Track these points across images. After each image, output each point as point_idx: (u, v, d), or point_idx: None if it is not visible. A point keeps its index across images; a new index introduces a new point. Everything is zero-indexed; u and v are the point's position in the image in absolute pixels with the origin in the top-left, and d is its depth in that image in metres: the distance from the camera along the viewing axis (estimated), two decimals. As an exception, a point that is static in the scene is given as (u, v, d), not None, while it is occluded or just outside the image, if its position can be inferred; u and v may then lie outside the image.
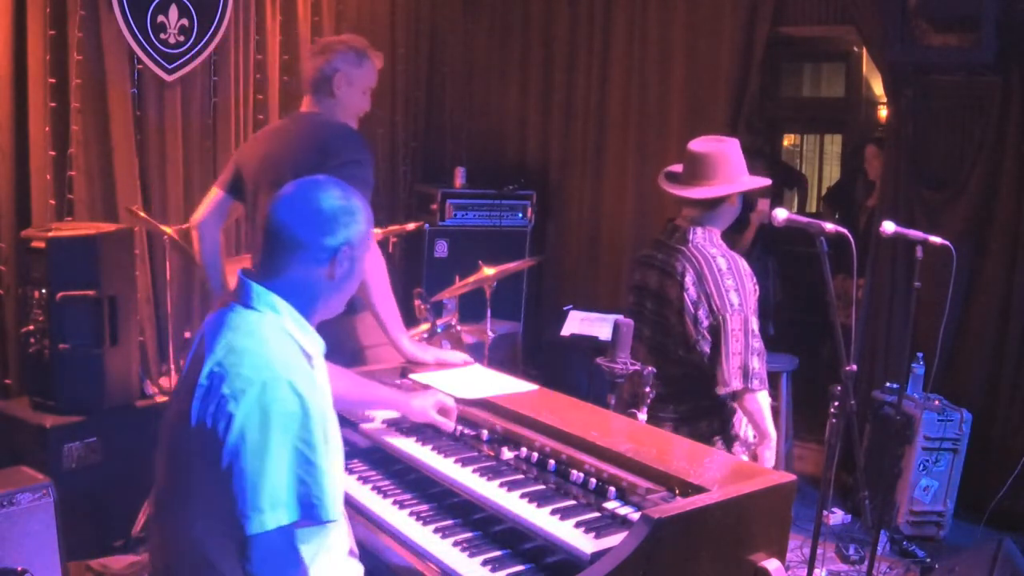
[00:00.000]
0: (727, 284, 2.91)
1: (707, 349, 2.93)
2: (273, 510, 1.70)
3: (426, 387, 2.75)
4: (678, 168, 3.12)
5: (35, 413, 3.86)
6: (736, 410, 3.04)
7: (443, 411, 2.57)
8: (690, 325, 2.94)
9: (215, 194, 3.39)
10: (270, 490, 1.70)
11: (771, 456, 2.96)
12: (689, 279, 2.94)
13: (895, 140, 4.93)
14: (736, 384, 2.86)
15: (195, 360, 1.87)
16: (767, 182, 3.13)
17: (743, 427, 3.07)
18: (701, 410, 3.04)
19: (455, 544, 2.13)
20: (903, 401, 4.27)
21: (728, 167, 3.00)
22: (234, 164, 3.40)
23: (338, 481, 1.82)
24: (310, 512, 1.74)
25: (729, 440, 3.06)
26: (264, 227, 1.92)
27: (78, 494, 3.68)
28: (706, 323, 2.92)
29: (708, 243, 3.00)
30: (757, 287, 3.02)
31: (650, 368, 2.79)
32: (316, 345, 1.93)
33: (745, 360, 2.87)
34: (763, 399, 2.92)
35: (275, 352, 1.80)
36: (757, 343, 2.90)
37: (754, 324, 2.92)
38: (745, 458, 3.00)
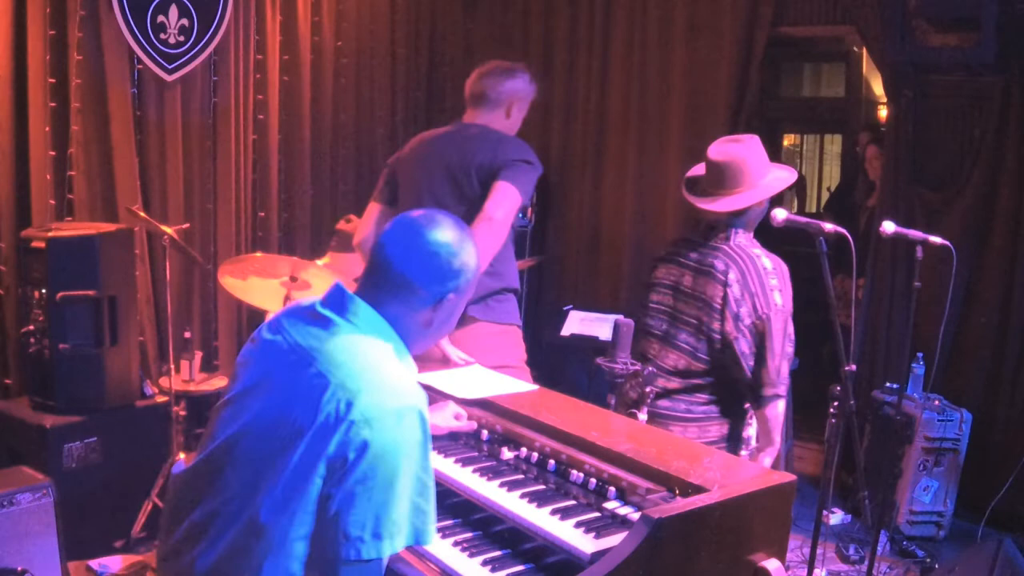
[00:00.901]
0: (771, 284, 2.87)
1: (745, 348, 2.88)
2: (391, 538, 1.68)
3: (426, 387, 2.76)
4: (700, 170, 3.07)
5: (35, 413, 3.86)
6: (747, 415, 3.02)
7: (458, 416, 2.55)
8: (730, 321, 2.87)
9: (376, 209, 3.38)
10: (394, 518, 1.68)
11: (769, 464, 2.94)
12: (733, 276, 2.88)
13: (895, 140, 4.93)
14: (782, 386, 2.84)
15: (294, 377, 1.78)
16: (789, 181, 3.04)
17: (749, 429, 3.06)
18: (713, 414, 3.01)
19: (455, 544, 2.12)
20: (903, 401, 4.28)
21: (750, 172, 2.94)
22: (390, 174, 3.41)
23: (434, 505, 1.80)
24: (419, 538, 1.73)
25: (737, 444, 3.04)
26: (372, 254, 1.86)
27: (78, 494, 3.69)
28: (748, 321, 2.86)
29: (750, 243, 2.97)
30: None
31: (650, 368, 2.79)
32: (415, 374, 1.91)
33: (780, 363, 2.86)
34: (782, 407, 2.90)
35: (401, 380, 1.77)
36: (791, 348, 2.88)
37: (791, 328, 2.89)
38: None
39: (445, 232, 1.85)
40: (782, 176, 3.02)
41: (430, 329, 1.89)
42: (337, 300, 1.84)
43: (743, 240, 2.97)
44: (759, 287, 2.87)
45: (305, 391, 1.73)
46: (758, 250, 2.95)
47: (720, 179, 2.97)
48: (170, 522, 1.94)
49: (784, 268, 2.95)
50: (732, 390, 2.96)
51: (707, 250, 2.98)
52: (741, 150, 2.97)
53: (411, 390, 1.76)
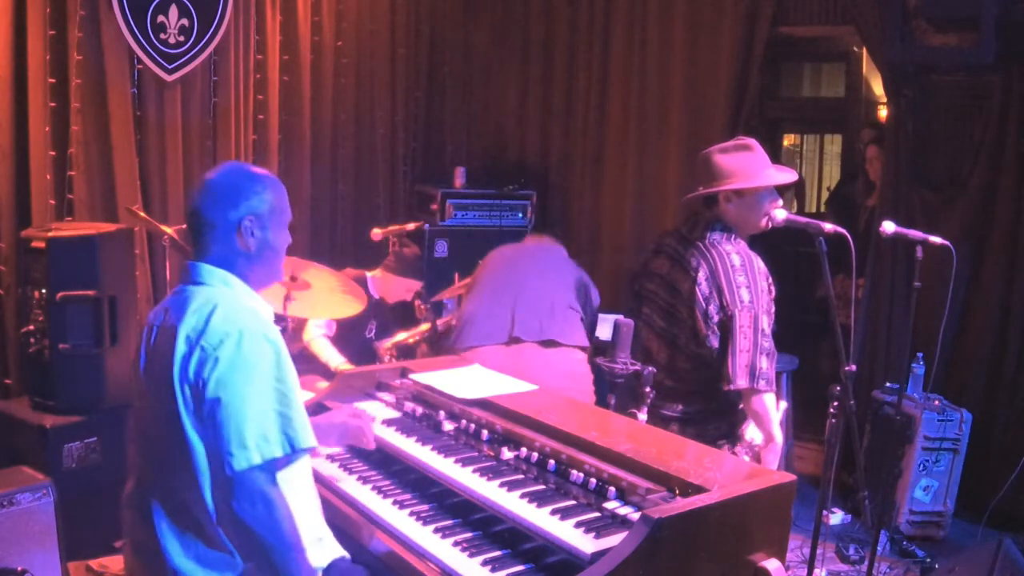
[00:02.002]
0: (739, 280, 2.90)
1: (716, 344, 2.91)
2: (259, 447, 1.86)
3: (427, 387, 2.76)
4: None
5: (35, 413, 3.86)
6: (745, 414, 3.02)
7: (354, 414, 2.56)
8: (700, 319, 2.92)
9: None
10: (255, 428, 1.86)
11: (774, 460, 2.94)
12: (702, 274, 2.93)
13: (895, 140, 4.93)
14: (742, 382, 2.84)
15: (157, 345, 2.02)
16: (749, 183, 2.96)
17: (748, 429, 3.06)
18: (710, 412, 3.02)
19: (455, 544, 2.13)
20: (903, 401, 4.27)
21: (711, 170, 2.99)
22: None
23: (305, 413, 2.00)
24: (293, 443, 1.90)
25: (735, 443, 3.04)
26: (185, 218, 2.16)
27: (78, 494, 3.68)
28: (716, 318, 2.91)
29: (725, 240, 2.99)
30: (773, 288, 3.00)
31: (650, 368, 2.79)
32: (268, 310, 2.10)
33: (753, 359, 2.85)
34: (769, 401, 2.90)
35: (242, 309, 2.01)
36: (767, 343, 2.88)
37: (765, 323, 2.89)
38: (747, 460, 2.99)
39: (224, 171, 2.13)
40: (737, 181, 2.96)
41: (251, 253, 2.09)
42: (185, 273, 2.11)
43: (719, 237, 3.00)
44: (725, 283, 2.90)
45: (170, 356, 1.94)
46: (730, 246, 2.98)
47: (696, 176, 3.08)
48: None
49: (754, 265, 2.95)
50: (719, 386, 2.96)
51: (687, 245, 3.05)
52: (714, 149, 3.03)
53: (251, 316, 1.99)
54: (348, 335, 4.59)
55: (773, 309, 3.03)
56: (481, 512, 2.21)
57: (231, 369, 1.88)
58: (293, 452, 1.92)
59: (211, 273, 2.06)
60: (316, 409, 2.59)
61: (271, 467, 1.89)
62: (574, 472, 2.19)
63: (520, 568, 2.02)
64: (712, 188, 2.98)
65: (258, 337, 1.94)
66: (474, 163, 6.45)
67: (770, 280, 2.98)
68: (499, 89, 6.54)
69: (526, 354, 3.79)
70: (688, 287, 2.97)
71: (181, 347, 1.92)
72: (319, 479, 2.41)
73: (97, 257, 3.85)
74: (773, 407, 2.92)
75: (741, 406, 2.99)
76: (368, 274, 4.81)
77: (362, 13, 5.84)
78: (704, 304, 2.92)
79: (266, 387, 1.90)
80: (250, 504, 1.84)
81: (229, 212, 2.06)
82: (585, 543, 1.93)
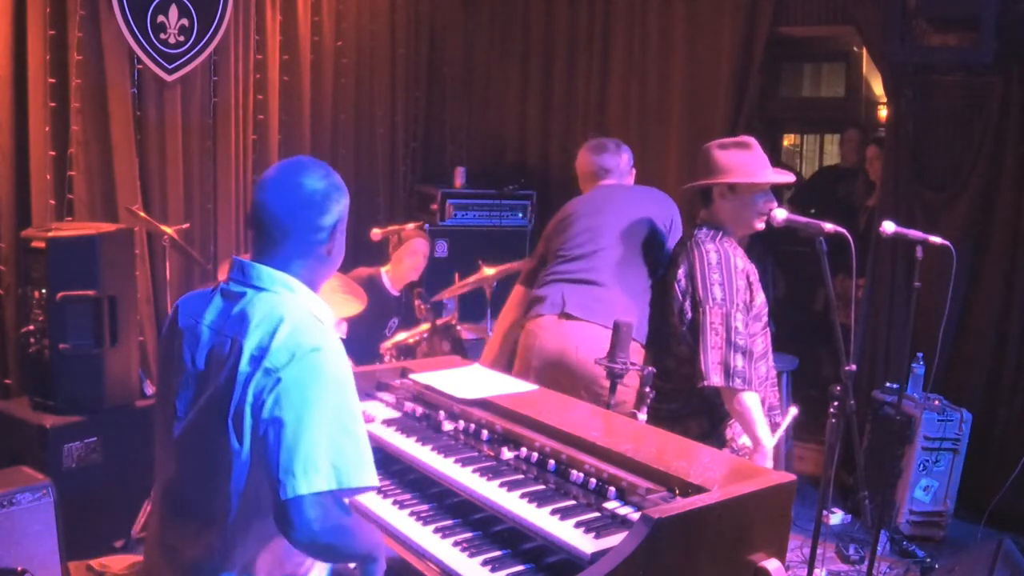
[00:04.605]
0: (713, 278, 2.94)
1: (688, 340, 2.97)
2: (307, 476, 1.72)
3: (426, 387, 2.76)
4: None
5: (35, 413, 3.86)
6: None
7: None
8: (676, 315, 3.01)
9: (521, 292, 3.65)
10: (303, 457, 1.72)
11: (768, 466, 2.88)
12: (681, 271, 3.01)
13: (895, 140, 4.93)
14: (716, 379, 2.85)
15: (214, 354, 1.89)
16: (739, 179, 3.00)
17: (740, 433, 3.04)
18: (691, 410, 3.04)
19: (455, 544, 2.13)
20: (903, 401, 4.28)
21: (708, 164, 3.04)
22: (542, 254, 3.61)
23: (365, 446, 1.83)
24: (340, 478, 1.75)
25: (720, 444, 3.03)
26: (255, 214, 1.96)
27: (78, 494, 3.68)
28: (690, 315, 2.97)
29: (708, 239, 3.03)
30: (757, 287, 3.00)
31: (650, 368, 2.80)
32: (329, 314, 1.98)
33: (726, 356, 2.86)
34: (750, 401, 2.87)
35: (307, 327, 1.85)
36: (741, 340, 2.88)
37: (739, 321, 2.89)
38: None
39: (312, 171, 1.98)
40: (752, 171, 3.01)
41: (329, 259, 2.00)
42: (240, 273, 1.96)
43: (703, 236, 3.04)
44: (700, 280, 2.95)
45: (232, 373, 1.82)
46: (711, 245, 3.01)
47: (696, 170, 3.15)
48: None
49: (731, 263, 2.97)
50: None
51: (680, 247, 3.13)
52: (714, 144, 3.09)
53: (316, 334, 1.84)
54: (369, 332, 4.61)
55: (765, 309, 3.04)
56: (481, 512, 2.21)
57: (291, 390, 1.77)
58: (346, 488, 1.77)
59: (272, 278, 1.92)
60: None
61: (327, 496, 1.76)
62: (574, 472, 2.19)
63: (520, 568, 2.02)
64: (706, 180, 3.03)
65: (317, 356, 1.81)
66: (474, 163, 6.45)
67: (751, 279, 3.00)
68: (499, 89, 6.54)
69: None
70: (671, 286, 3.04)
71: (244, 367, 1.80)
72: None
73: (97, 257, 3.85)
74: (756, 407, 2.88)
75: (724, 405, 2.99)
76: (382, 270, 4.86)
77: (362, 13, 5.84)
78: (681, 300, 2.99)
79: (323, 414, 1.76)
80: (301, 532, 1.73)
81: (321, 218, 1.94)
82: (585, 543, 1.93)
